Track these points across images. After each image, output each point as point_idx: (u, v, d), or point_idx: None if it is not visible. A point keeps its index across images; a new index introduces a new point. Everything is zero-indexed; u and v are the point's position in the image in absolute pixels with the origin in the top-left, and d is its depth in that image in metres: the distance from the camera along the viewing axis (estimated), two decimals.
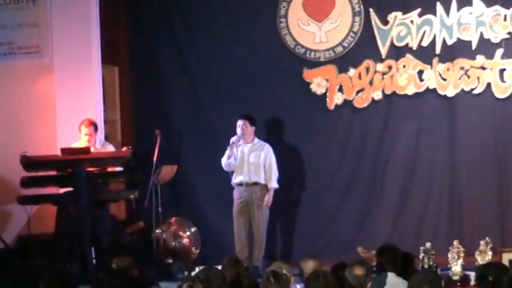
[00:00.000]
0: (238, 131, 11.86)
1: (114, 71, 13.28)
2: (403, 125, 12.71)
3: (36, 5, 12.60)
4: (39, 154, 11.56)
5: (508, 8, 12.26)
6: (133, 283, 7.70)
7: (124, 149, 11.89)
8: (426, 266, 9.92)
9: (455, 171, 12.54)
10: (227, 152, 11.87)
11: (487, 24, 12.34)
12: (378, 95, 12.67)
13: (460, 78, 12.41)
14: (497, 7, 12.29)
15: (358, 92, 12.70)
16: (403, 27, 12.60)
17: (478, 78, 12.36)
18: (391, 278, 8.00)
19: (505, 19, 12.30)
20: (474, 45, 12.38)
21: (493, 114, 12.41)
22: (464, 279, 9.81)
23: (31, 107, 12.49)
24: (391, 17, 12.60)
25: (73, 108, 12.21)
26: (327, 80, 12.78)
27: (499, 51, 12.30)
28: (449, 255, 10.50)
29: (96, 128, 11.86)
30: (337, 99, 12.76)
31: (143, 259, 10.93)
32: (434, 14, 12.45)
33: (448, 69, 12.44)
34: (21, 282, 7.85)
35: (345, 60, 12.76)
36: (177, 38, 13.19)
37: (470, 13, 12.37)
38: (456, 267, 10.28)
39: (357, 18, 12.73)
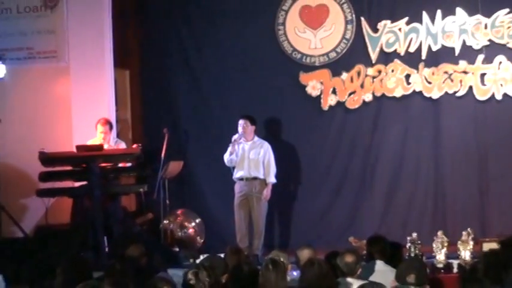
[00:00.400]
0: (240, 129, 11.85)
1: (125, 74, 13.29)
2: (391, 125, 12.74)
3: (53, 13, 12.61)
4: (56, 151, 11.57)
5: (488, 17, 12.28)
6: (142, 270, 7.72)
7: (134, 146, 11.93)
8: (412, 255, 9.91)
9: (440, 167, 12.57)
10: (229, 149, 11.87)
11: (469, 32, 12.36)
12: (368, 97, 12.69)
13: (444, 82, 12.43)
14: (478, 16, 12.31)
15: (350, 94, 12.71)
16: (392, 34, 12.61)
17: (461, 81, 12.38)
18: (380, 265, 8.02)
19: (485, 27, 12.32)
20: (457, 52, 12.40)
21: (475, 115, 12.43)
22: (448, 266, 9.82)
23: (48, 107, 12.49)
24: (380, 25, 12.62)
25: (87, 108, 12.22)
26: (322, 83, 12.79)
27: (480, 57, 12.32)
28: (434, 245, 10.50)
29: (111, 127, 11.89)
30: (331, 100, 12.76)
31: (152, 247, 10.97)
32: (421, 22, 12.48)
33: (433, 74, 12.46)
34: (40, 269, 7.85)
35: (338, 64, 12.77)
36: (183, 44, 13.19)
37: (454, 22, 12.40)
38: (440, 256, 10.29)
39: (349, 26, 12.74)
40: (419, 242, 10.48)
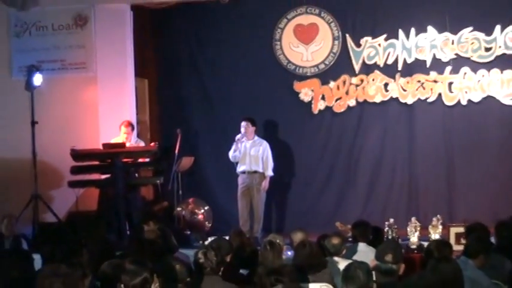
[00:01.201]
0: (242, 130, 11.84)
1: (144, 83, 13.28)
2: (372, 126, 12.74)
3: (83, 30, 12.59)
4: (85, 148, 11.58)
5: (455, 34, 12.29)
6: (159, 250, 7.71)
7: (152, 144, 11.95)
8: (390, 237, 9.92)
9: (413, 163, 12.58)
10: (233, 147, 11.87)
11: (439, 47, 12.36)
12: (352, 103, 12.68)
13: (417, 90, 12.44)
14: (446, 33, 12.32)
15: (336, 100, 12.70)
16: (372, 49, 12.60)
17: (431, 89, 12.39)
18: (362, 247, 8.03)
19: (452, 43, 12.33)
20: (428, 64, 12.40)
21: (443, 118, 12.45)
22: (420, 247, 9.82)
23: (78, 111, 12.48)
24: (363, 41, 12.60)
25: (112, 112, 12.22)
26: (312, 90, 12.77)
27: (448, 68, 12.33)
28: (408, 229, 10.51)
29: (132, 128, 11.92)
30: (320, 105, 12.75)
31: (167, 231, 10.98)
32: (397, 38, 12.47)
33: (407, 82, 12.46)
34: (71, 249, 7.85)
35: (326, 74, 12.75)
36: (194, 57, 13.17)
37: (425, 38, 12.40)
38: (413, 238, 10.30)
39: (336, 42, 12.73)
40: (395, 226, 10.50)
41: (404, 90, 12.49)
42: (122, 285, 5.53)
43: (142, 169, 12.09)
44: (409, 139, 12.58)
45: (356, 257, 7.34)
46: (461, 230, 9.77)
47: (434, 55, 12.40)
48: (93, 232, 10.31)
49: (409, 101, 12.48)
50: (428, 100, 12.43)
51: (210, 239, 8.72)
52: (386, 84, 12.56)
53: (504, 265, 6.75)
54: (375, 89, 12.60)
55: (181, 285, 6.01)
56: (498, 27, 12.20)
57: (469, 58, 12.32)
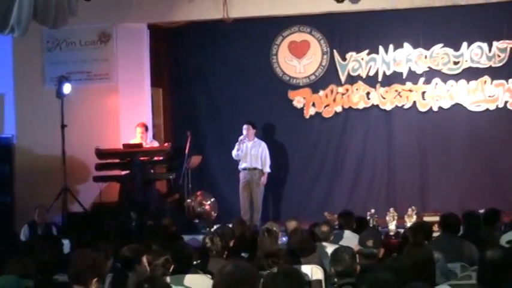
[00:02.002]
0: (244, 132, 11.86)
1: (159, 92, 13.26)
2: (355, 129, 12.73)
3: (106, 46, 12.58)
4: (107, 148, 11.61)
5: (427, 50, 12.31)
6: (172, 235, 7.71)
7: (165, 144, 12.00)
8: (371, 225, 9.92)
9: (391, 161, 12.58)
10: (236, 147, 11.86)
11: (413, 61, 12.38)
12: (339, 109, 12.67)
13: (394, 98, 12.45)
14: (420, 49, 12.34)
15: (325, 106, 12.69)
16: (356, 62, 12.60)
17: (407, 97, 12.40)
18: (347, 234, 8.01)
19: (425, 57, 12.35)
20: (404, 75, 12.42)
21: (417, 122, 12.47)
22: (397, 234, 9.82)
23: (102, 115, 12.47)
24: (348, 55, 12.60)
25: (131, 117, 12.19)
26: (304, 98, 12.75)
27: (422, 79, 12.36)
28: (387, 218, 10.52)
29: (146, 129, 11.90)
30: (311, 111, 12.74)
31: (178, 219, 10.98)
32: (378, 53, 12.48)
33: (386, 91, 12.46)
34: (96, 235, 7.86)
35: (316, 84, 12.74)
36: (202, 70, 13.14)
37: (402, 53, 12.42)
38: (392, 226, 10.31)
39: (325, 56, 12.73)
40: (376, 216, 10.50)
41: (384, 98, 12.49)
42: (146, 263, 5.54)
43: (157, 166, 12.07)
44: (387, 140, 12.57)
45: (342, 243, 7.33)
46: (432, 218, 9.77)
47: (409, 68, 12.41)
48: (115, 221, 10.32)
49: (388, 107, 12.48)
50: (404, 107, 12.43)
51: (215, 227, 8.70)
52: (368, 93, 12.55)
53: (470, 249, 6.75)
54: (358, 97, 12.59)
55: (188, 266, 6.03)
56: (465, 44, 12.21)
57: (439, 70, 12.33)
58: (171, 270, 5.72)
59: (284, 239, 8.16)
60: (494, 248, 4.94)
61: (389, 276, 4.23)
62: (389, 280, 4.18)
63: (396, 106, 12.45)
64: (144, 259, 5.86)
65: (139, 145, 11.61)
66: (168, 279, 5.29)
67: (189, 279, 5.63)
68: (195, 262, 6.39)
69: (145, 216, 11.10)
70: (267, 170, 11.97)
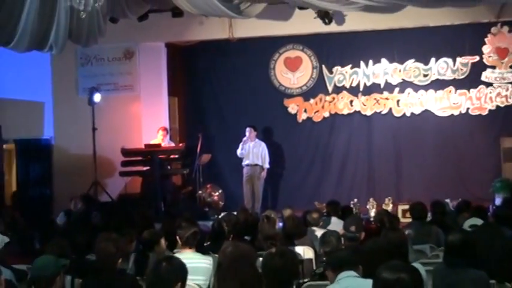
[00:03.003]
0: (247, 134, 11.87)
1: (175, 100, 13.25)
2: (341, 132, 12.73)
3: (130, 61, 12.59)
4: (131, 147, 11.62)
5: (401, 64, 12.35)
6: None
7: (180, 144, 12.03)
8: (354, 213, 9.93)
9: (371, 158, 12.60)
10: (240, 146, 11.89)
11: (389, 74, 12.42)
12: (326, 114, 12.68)
13: (374, 105, 12.47)
14: (395, 64, 12.38)
15: (315, 112, 12.71)
16: (341, 75, 12.62)
17: (384, 104, 12.43)
18: (334, 220, 8.02)
19: (399, 71, 12.39)
20: (382, 86, 12.46)
21: (393, 125, 12.49)
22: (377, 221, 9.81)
23: (127, 120, 12.48)
24: (334, 69, 12.63)
25: (151, 121, 12.22)
26: (297, 105, 12.77)
27: (396, 89, 12.39)
28: (368, 206, 10.55)
29: (167, 132, 11.95)
30: (303, 116, 12.76)
31: (191, 208, 11.00)
32: (359, 67, 12.52)
33: (367, 100, 12.49)
34: (121, 221, 7.85)
35: (307, 94, 12.75)
36: (211, 81, 13.16)
37: (380, 67, 12.44)
38: (371, 213, 10.31)
39: (315, 70, 12.74)
40: (358, 204, 10.54)
41: (365, 105, 12.50)
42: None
43: (173, 163, 12.06)
44: (368, 141, 12.58)
45: (330, 228, 7.33)
46: (406, 207, 9.78)
47: (386, 80, 12.43)
48: (137, 209, 10.35)
49: (368, 113, 12.49)
50: (382, 113, 12.44)
51: (222, 214, 8.71)
52: (351, 101, 12.55)
53: (437, 232, 6.76)
54: (343, 104, 12.59)
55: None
56: (433, 59, 12.23)
57: (411, 82, 12.34)
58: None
59: (280, 224, 8.13)
60: (456, 232, 4.97)
61: (347, 253, 4.28)
62: (346, 256, 4.21)
63: (375, 112, 12.46)
64: (162, 241, 5.86)
65: (158, 145, 11.62)
66: (181, 256, 5.29)
67: (200, 257, 5.64)
68: (205, 244, 6.39)
69: (163, 205, 11.15)
70: (266, 166, 11.98)
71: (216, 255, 5.52)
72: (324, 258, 5.28)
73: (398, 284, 2.76)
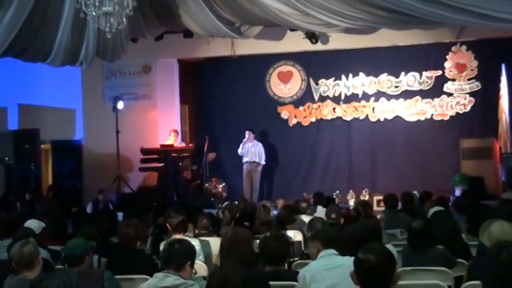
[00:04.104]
0: (246, 136, 11.88)
1: (186, 107, 13.23)
2: (325, 134, 12.66)
3: (148, 74, 12.57)
4: (149, 147, 11.63)
5: (376, 77, 12.32)
6: (195, 209, 7.72)
7: (190, 145, 12.03)
8: (336, 203, 9.94)
9: (350, 156, 12.53)
10: (241, 146, 11.89)
11: (366, 85, 12.38)
12: (313, 119, 12.64)
13: (353, 111, 12.43)
14: (371, 77, 12.35)
15: (303, 117, 12.67)
16: (326, 86, 12.59)
17: (362, 111, 12.39)
18: (319, 208, 8.03)
19: (375, 83, 12.35)
20: (360, 95, 12.41)
21: (369, 129, 12.43)
22: (354, 209, 9.82)
23: (145, 124, 12.47)
24: (319, 81, 12.59)
25: (165, 125, 12.21)
26: (289, 112, 12.75)
27: (372, 98, 12.36)
28: (348, 197, 10.59)
29: (177, 134, 11.94)
30: (294, 121, 12.72)
31: (199, 198, 11.00)
32: (341, 80, 12.48)
33: (347, 107, 12.45)
34: (141, 209, 7.87)
35: (297, 102, 12.71)
36: (216, 91, 13.11)
37: (358, 80, 12.42)
38: (351, 203, 10.34)
39: (304, 82, 12.71)
40: (340, 195, 10.56)
41: (345, 112, 12.47)
42: (168, 226, 5.55)
43: (184, 160, 12.05)
44: (348, 142, 12.51)
45: (316, 215, 7.34)
46: (380, 197, 9.80)
47: (363, 90, 12.39)
48: (154, 199, 10.36)
49: (348, 118, 12.46)
50: (360, 118, 12.40)
51: (225, 203, 8.72)
52: (334, 108, 12.52)
53: (406, 219, 6.76)
54: (327, 111, 12.56)
55: (207, 232, 6.03)
56: (403, 73, 12.22)
57: (385, 92, 12.32)
58: (192, 233, 5.71)
59: (275, 212, 8.18)
60: (417, 219, 5.00)
61: (333, 233, 4.30)
62: (332, 235, 4.23)
63: (354, 118, 12.43)
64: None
65: (171, 145, 11.62)
66: (192, 239, 5.29)
67: (206, 240, 5.64)
68: (211, 228, 6.39)
69: (175, 196, 11.15)
70: (263, 162, 11.98)
71: (208, 239, 5.53)
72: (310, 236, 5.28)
73: (365, 263, 2.81)
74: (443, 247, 4.69)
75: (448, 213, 6.25)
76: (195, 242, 5.26)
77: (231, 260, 3.68)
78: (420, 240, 4.65)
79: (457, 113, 12.05)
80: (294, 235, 6.20)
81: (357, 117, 12.42)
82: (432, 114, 12.16)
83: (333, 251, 4.01)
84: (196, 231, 5.97)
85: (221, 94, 13.14)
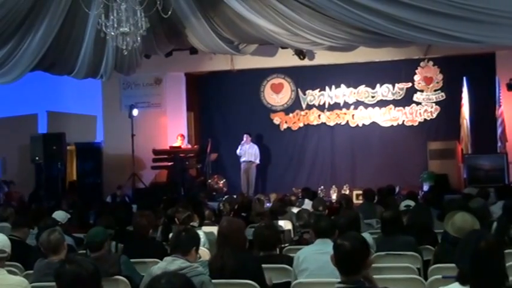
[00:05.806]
0: (244, 139, 11.90)
1: (191, 115, 13.15)
2: (312, 138, 12.59)
3: (159, 86, 12.54)
4: (159, 148, 11.60)
5: (355, 88, 12.29)
6: (200, 202, 7.71)
7: (195, 146, 11.99)
8: (321, 196, 9.93)
9: (333, 156, 12.46)
10: (239, 147, 11.90)
11: (347, 95, 12.35)
12: (301, 125, 12.58)
13: (335, 118, 12.40)
14: (351, 88, 12.32)
15: (293, 123, 12.62)
16: (312, 96, 12.55)
17: (343, 118, 12.35)
18: (306, 201, 8.02)
19: (354, 93, 12.32)
20: (341, 104, 12.38)
21: (350, 133, 12.38)
22: (337, 202, 9.80)
23: (156, 128, 12.39)
24: (307, 92, 12.54)
25: (174, 129, 12.17)
26: (280, 118, 12.71)
27: (352, 107, 12.32)
28: (331, 191, 10.57)
29: (184, 137, 11.91)
30: (284, 126, 12.67)
31: (203, 192, 10.97)
32: (325, 90, 12.46)
33: (330, 114, 12.41)
34: (153, 202, 7.84)
35: (288, 109, 12.67)
36: (218, 101, 13.04)
37: (340, 90, 12.40)
38: (334, 197, 10.32)
39: (293, 93, 12.67)
40: (324, 190, 10.54)
41: (329, 118, 12.43)
42: (176, 220, 5.54)
43: (190, 160, 12.01)
44: (331, 144, 12.45)
45: (303, 207, 7.33)
46: (359, 192, 9.79)
47: (344, 100, 12.36)
48: (164, 193, 10.35)
49: (331, 124, 12.42)
50: (341, 124, 12.37)
51: (225, 197, 8.71)
52: (319, 115, 12.48)
53: (381, 211, 6.73)
54: (313, 118, 12.53)
55: (209, 222, 6.02)
56: (378, 85, 12.21)
57: (363, 101, 12.29)
58: (196, 223, 5.70)
59: (268, 204, 8.18)
60: (388, 210, 5.04)
61: (326, 224, 4.24)
62: (325, 226, 4.18)
63: (336, 123, 12.39)
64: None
65: (179, 147, 11.60)
66: (198, 229, 5.29)
67: (208, 228, 5.64)
68: (213, 219, 6.39)
69: (183, 191, 11.11)
70: (258, 162, 11.98)
71: (212, 228, 5.53)
72: (299, 229, 5.29)
73: (341, 248, 2.86)
74: (416, 234, 4.72)
75: (425, 207, 6.25)
76: (200, 233, 5.27)
77: (226, 248, 3.71)
78: (391, 228, 4.68)
79: (425, 119, 12.07)
80: (285, 224, 6.20)
81: (339, 123, 12.41)
82: (403, 120, 12.17)
83: (327, 240, 4.03)
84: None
85: (222, 103, 13.10)
